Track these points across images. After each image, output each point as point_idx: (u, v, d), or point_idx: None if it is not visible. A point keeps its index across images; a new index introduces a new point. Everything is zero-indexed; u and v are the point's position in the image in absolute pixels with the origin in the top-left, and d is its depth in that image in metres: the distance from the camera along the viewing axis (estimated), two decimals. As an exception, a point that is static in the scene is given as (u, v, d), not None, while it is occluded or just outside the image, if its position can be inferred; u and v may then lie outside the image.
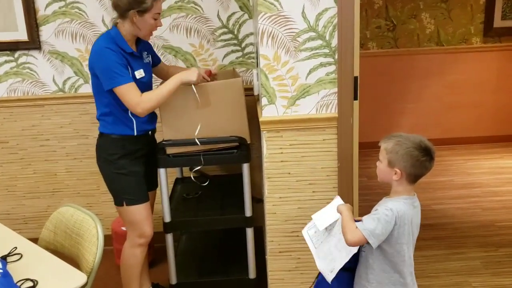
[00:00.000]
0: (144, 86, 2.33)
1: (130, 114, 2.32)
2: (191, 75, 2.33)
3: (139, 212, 2.38)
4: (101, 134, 2.38)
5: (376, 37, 4.56)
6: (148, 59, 2.44)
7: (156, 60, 2.56)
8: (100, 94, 2.30)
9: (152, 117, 2.45)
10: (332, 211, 1.91)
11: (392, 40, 4.58)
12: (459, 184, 3.93)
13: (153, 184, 2.57)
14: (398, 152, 1.77)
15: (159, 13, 2.27)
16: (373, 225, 1.73)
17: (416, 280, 1.90)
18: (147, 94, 2.27)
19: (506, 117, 4.69)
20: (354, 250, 1.80)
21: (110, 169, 2.36)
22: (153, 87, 2.47)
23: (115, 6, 2.24)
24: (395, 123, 4.73)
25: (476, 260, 2.88)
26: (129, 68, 2.26)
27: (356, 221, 1.79)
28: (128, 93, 2.21)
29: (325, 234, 1.94)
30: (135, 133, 2.35)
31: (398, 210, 1.75)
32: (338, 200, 1.95)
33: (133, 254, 2.43)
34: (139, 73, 2.30)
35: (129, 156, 2.36)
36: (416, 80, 4.63)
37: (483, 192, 3.75)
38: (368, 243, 1.74)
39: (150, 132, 2.47)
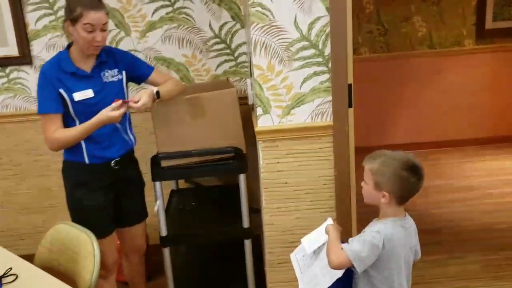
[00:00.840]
0: (96, 106, 2.12)
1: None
2: (111, 119, 2.10)
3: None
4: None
5: (368, 42, 4.56)
6: (114, 77, 2.23)
7: (143, 74, 2.36)
8: None
9: (113, 142, 2.23)
10: (322, 233, 1.83)
11: (384, 44, 4.58)
12: (456, 187, 3.92)
13: (129, 219, 2.37)
14: (385, 174, 1.66)
15: (93, 25, 2.06)
16: (359, 247, 1.64)
17: (416, 286, 1.85)
18: (60, 133, 2.12)
19: (500, 118, 4.69)
20: (339, 274, 1.70)
21: (67, 200, 2.26)
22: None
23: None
24: (389, 126, 4.73)
25: (475, 264, 2.87)
26: (65, 92, 2.11)
27: (343, 242, 1.71)
28: (44, 124, 2.13)
29: (313, 257, 1.86)
30: (87, 161, 2.18)
31: (386, 233, 1.65)
32: (328, 222, 1.86)
33: (98, 285, 2.00)
34: (83, 94, 2.13)
35: (83, 187, 2.19)
36: (409, 83, 4.63)
37: (481, 195, 3.74)
38: (353, 266, 1.65)
39: (114, 161, 2.23)
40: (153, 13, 2.90)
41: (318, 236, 1.85)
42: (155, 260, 2.90)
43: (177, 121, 2.41)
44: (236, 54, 2.98)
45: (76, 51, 2.16)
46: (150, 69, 2.40)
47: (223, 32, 2.94)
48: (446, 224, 3.35)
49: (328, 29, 2.13)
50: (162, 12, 2.89)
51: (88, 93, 2.14)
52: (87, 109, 2.13)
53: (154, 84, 2.38)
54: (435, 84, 4.63)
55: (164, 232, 2.49)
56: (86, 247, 1.94)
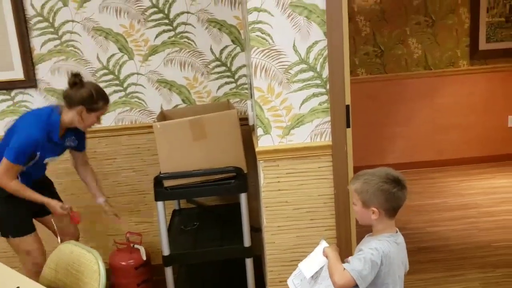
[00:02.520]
0: (38, 162, 2.47)
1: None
2: (55, 208, 2.51)
3: None
4: None
5: (365, 64, 4.66)
6: (70, 143, 2.59)
7: (80, 148, 2.69)
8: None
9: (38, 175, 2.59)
10: (319, 256, 1.84)
11: (381, 66, 4.67)
12: (454, 205, 3.96)
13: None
14: (368, 190, 1.73)
15: (103, 114, 2.51)
16: (360, 265, 1.68)
17: (416, 304, 1.89)
18: (17, 185, 2.43)
19: (494, 138, 4.77)
20: None
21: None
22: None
23: (66, 96, 2.45)
24: (386, 146, 4.80)
25: (474, 281, 2.89)
26: (39, 155, 2.42)
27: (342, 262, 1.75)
28: (8, 168, 2.38)
29: (311, 282, 1.86)
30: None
31: (384, 249, 1.70)
32: (324, 244, 1.88)
33: None
34: (50, 160, 2.53)
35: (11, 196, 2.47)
36: (405, 103, 4.71)
37: (478, 213, 3.78)
38: (356, 285, 1.68)
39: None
40: (156, 37, 2.98)
41: (315, 259, 1.86)
42: (158, 280, 2.93)
43: (179, 142, 2.47)
44: (236, 77, 3.05)
45: (65, 123, 2.46)
46: (85, 146, 2.74)
47: (224, 55, 3.02)
48: (443, 242, 3.38)
49: (325, 53, 2.20)
50: (165, 36, 2.98)
51: (55, 159, 2.57)
52: (34, 164, 2.46)
53: (76, 160, 2.75)
54: (431, 104, 4.72)
55: (166, 252, 2.53)
56: (90, 266, 1.96)
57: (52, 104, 2.55)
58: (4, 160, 2.37)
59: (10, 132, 2.48)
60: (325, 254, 1.81)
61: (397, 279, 1.77)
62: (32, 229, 2.58)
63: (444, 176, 4.57)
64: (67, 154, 2.73)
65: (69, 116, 2.44)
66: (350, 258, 1.76)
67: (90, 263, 1.97)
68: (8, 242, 2.59)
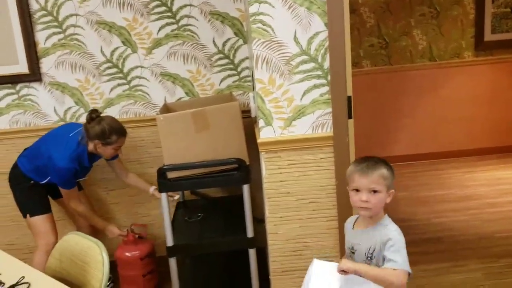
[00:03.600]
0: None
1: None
2: (110, 233, 2.89)
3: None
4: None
5: (370, 55, 4.65)
6: (97, 161, 2.89)
7: (113, 157, 2.88)
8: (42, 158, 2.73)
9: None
10: (326, 279, 1.76)
11: (386, 57, 4.66)
12: (458, 197, 3.96)
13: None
14: (391, 175, 1.76)
15: (121, 145, 2.71)
16: (403, 256, 1.69)
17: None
18: (87, 211, 2.84)
19: (499, 129, 4.75)
20: None
21: None
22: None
23: (85, 131, 2.66)
24: (391, 138, 4.79)
25: (477, 272, 2.90)
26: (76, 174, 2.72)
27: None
28: (72, 193, 2.76)
29: None
30: (41, 182, 2.80)
31: (398, 228, 1.75)
32: (321, 263, 1.81)
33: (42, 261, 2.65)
34: (80, 180, 2.88)
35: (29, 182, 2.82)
36: (410, 95, 4.70)
37: (482, 204, 3.78)
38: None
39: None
40: (159, 30, 3.00)
41: (327, 282, 1.76)
42: (162, 271, 2.96)
43: (182, 134, 2.49)
44: (239, 69, 3.07)
45: (91, 151, 2.71)
46: (117, 156, 2.90)
47: (227, 47, 3.03)
48: (447, 233, 3.39)
49: (327, 44, 2.21)
50: (168, 29, 2.99)
51: (84, 178, 2.91)
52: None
53: (113, 167, 2.97)
54: (436, 96, 4.70)
55: (170, 243, 2.55)
56: (95, 257, 1.99)
57: (78, 129, 2.73)
58: (65, 190, 2.74)
59: (37, 151, 2.78)
60: (347, 269, 1.70)
61: None
62: (47, 210, 2.84)
63: (449, 167, 4.57)
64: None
65: (90, 147, 2.69)
66: (388, 255, 1.69)
67: (95, 254, 2.00)
68: (26, 222, 2.84)
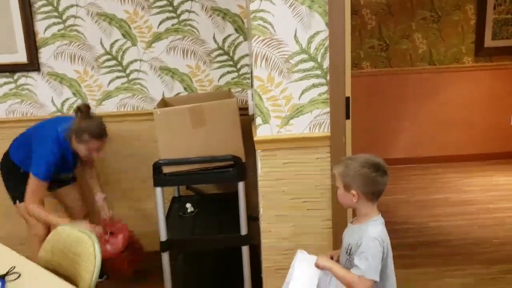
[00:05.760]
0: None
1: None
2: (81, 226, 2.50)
3: None
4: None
5: (370, 57, 4.65)
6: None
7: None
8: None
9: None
10: (307, 271, 1.84)
11: (386, 59, 4.66)
12: (455, 201, 3.96)
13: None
14: (349, 174, 1.79)
15: (97, 149, 2.59)
16: (370, 264, 1.71)
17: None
18: (37, 208, 2.60)
19: (497, 135, 4.76)
20: None
21: None
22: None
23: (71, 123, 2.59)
24: (389, 140, 4.79)
25: (471, 277, 2.90)
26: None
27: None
28: (36, 185, 2.58)
29: None
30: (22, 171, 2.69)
31: (380, 234, 1.75)
32: (304, 256, 1.89)
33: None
34: (64, 175, 2.76)
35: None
36: (409, 98, 4.70)
37: (478, 209, 3.78)
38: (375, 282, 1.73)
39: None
40: (159, 24, 2.99)
41: (306, 276, 1.84)
42: (154, 266, 2.95)
43: (179, 129, 2.48)
44: (238, 66, 3.06)
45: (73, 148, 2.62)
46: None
47: (227, 44, 3.02)
48: (444, 237, 3.39)
49: (327, 43, 2.20)
50: (168, 23, 2.98)
51: (68, 175, 2.81)
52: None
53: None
54: (434, 100, 4.70)
55: (164, 237, 2.55)
56: (87, 249, 1.98)
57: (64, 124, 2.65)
58: (32, 181, 2.58)
59: (27, 139, 2.70)
60: (322, 267, 1.83)
61: (391, 257, 1.83)
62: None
63: (447, 172, 4.57)
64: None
65: (72, 143, 2.61)
66: (356, 261, 1.75)
67: (87, 246, 1.99)
68: (16, 207, 2.76)
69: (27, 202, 2.60)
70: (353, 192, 1.79)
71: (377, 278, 1.72)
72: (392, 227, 1.87)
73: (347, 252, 1.84)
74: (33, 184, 2.58)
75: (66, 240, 2.09)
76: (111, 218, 2.88)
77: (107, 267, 2.79)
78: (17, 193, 2.74)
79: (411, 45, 4.63)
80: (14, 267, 1.86)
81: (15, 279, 1.80)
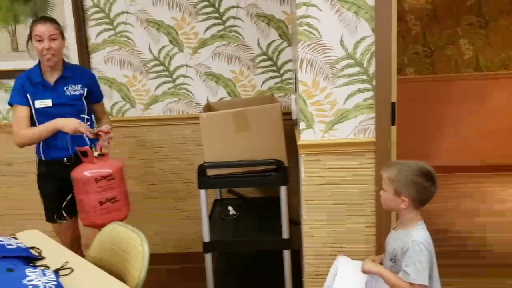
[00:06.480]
0: (55, 115, 2.46)
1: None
2: (67, 126, 2.39)
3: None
4: None
5: (414, 63, 4.59)
6: (74, 92, 2.54)
7: (93, 100, 2.65)
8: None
9: (63, 145, 2.47)
10: (351, 277, 1.85)
11: (430, 65, 4.59)
12: (498, 211, 3.86)
13: (69, 210, 2.55)
14: (401, 180, 1.79)
15: (40, 36, 2.42)
16: (419, 269, 1.72)
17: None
18: (26, 130, 2.47)
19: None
20: None
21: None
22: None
23: None
24: (432, 147, 4.70)
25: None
26: (30, 97, 2.48)
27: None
28: (14, 115, 2.51)
29: None
30: (43, 158, 2.56)
31: (425, 238, 1.76)
32: (346, 261, 1.90)
33: None
34: (42, 103, 2.49)
35: (43, 175, 2.60)
36: (454, 105, 4.61)
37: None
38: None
39: (65, 159, 2.50)
40: (205, 30, 3.05)
41: (351, 280, 1.86)
42: (198, 267, 3.00)
43: (223, 133, 2.52)
44: (281, 71, 3.09)
45: (42, 65, 2.51)
46: (101, 97, 2.76)
47: (271, 49, 3.06)
48: (485, 247, 3.31)
49: (373, 48, 2.20)
50: (214, 30, 3.05)
51: (47, 102, 2.50)
52: (46, 117, 2.47)
53: (94, 110, 2.69)
54: (480, 107, 4.59)
55: (206, 238, 2.59)
56: (136, 247, 2.04)
57: None
58: (12, 107, 2.52)
59: None
60: (369, 272, 1.85)
61: (435, 263, 1.83)
62: (53, 220, 2.61)
63: (491, 181, 4.45)
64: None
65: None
66: (404, 266, 1.75)
67: (136, 244, 2.05)
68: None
69: (15, 137, 2.47)
70: (404, 198, 1.79)
71: (426, 283, 1.72)
72: (434, 236, 1.86)
73: (392, 258, 1.84)
74: (13, 117, 2.50)
75: (116, 237, 2.16)
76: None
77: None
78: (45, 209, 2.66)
79: (457, 51, 4.54)
80: (67, 262, 1.94)
81: (68, 274, 1.88)
